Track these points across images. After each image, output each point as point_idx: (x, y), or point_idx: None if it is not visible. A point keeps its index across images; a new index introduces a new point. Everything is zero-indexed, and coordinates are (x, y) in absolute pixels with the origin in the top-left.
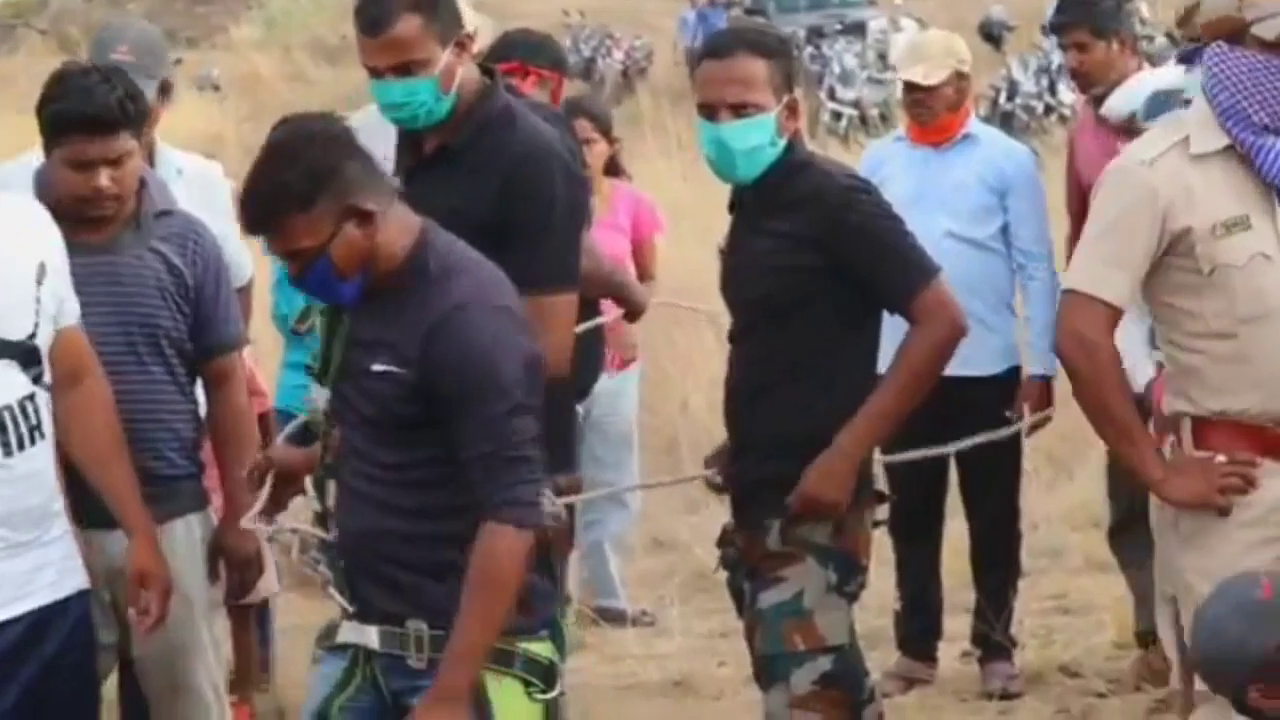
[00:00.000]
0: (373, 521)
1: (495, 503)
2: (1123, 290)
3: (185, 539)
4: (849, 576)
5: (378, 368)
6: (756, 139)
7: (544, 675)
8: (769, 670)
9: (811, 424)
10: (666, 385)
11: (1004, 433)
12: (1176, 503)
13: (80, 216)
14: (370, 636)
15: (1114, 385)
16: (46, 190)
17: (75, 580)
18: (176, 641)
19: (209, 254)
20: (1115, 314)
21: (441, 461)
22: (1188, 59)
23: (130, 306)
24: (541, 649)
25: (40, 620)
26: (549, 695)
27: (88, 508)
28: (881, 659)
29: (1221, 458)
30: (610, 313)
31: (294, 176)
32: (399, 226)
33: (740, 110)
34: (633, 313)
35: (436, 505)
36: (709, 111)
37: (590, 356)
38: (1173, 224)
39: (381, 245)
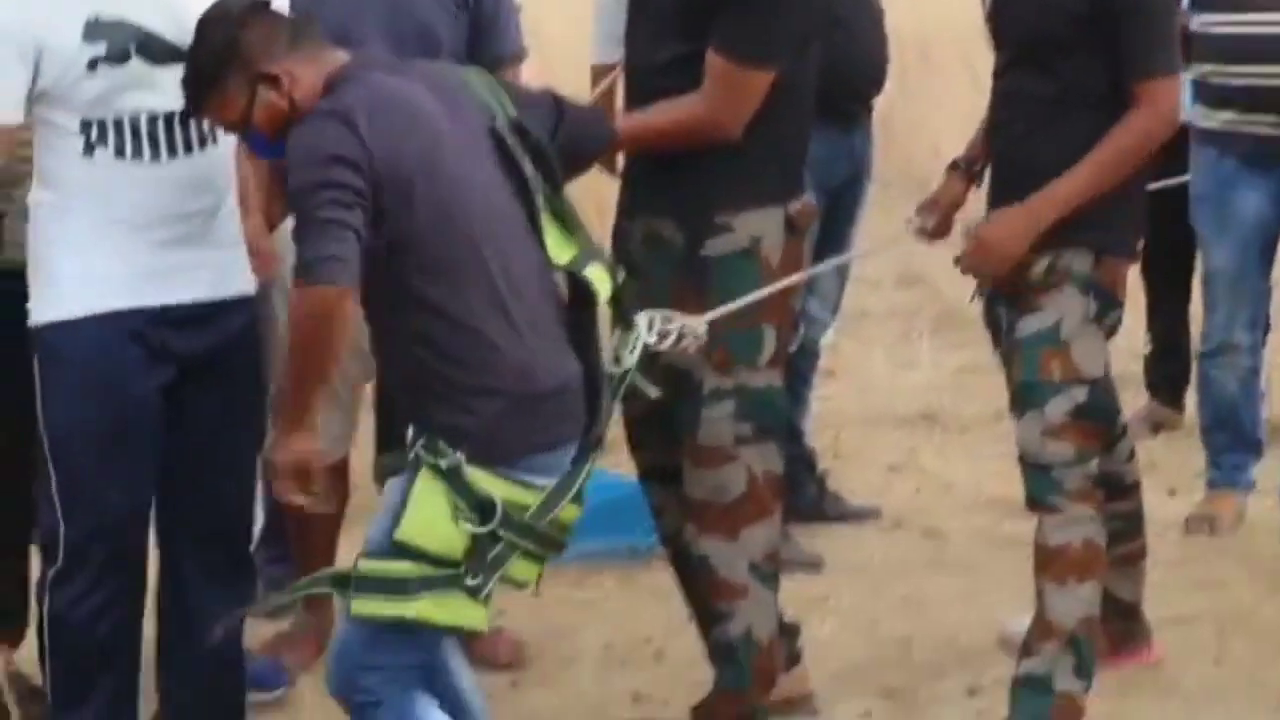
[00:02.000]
0: None
1: (296, 268)
2: None
3: None
4: (1107, 309)
5: None
6: None
7: (478, 506)
8: (1024, 397)
9: (1074, 157)
10: (919, 128)
11: None
12: None
13: None
14: None
15: None
16: None
17: (234, 286)
18: None
19: None
20: None
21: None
22: None
23: (405, 13)
24: (485, 480)
25: (189, 317)
26: (477, 529)
27: None
28: (1131, 401)
29: None
30: None
31: (201, 60)
32: (316, 72)
33: None
34: None
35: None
36: None
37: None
38: None
39: (299, 99)
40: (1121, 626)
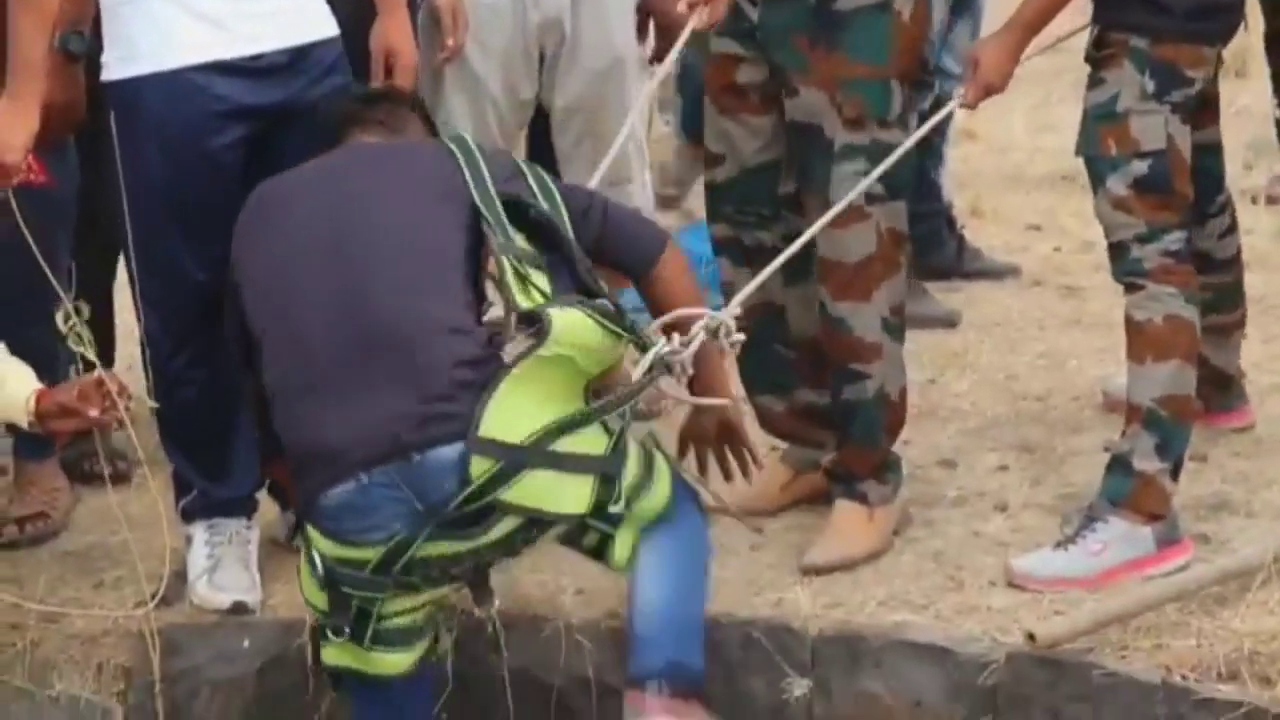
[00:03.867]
0: None
1: None
2: None
3: None
4: (1170, 86)
5: None
6: None
7: (315, 563)
8: (1089, 172)
9: None
10: None
11: None
12: None
13: None
14: None
15: None
16: None
17: (316, 29)
18: (600, 93)
19: None
20: None
21: None
22: None
23: None
24: (316, 539)
25: (270, 67)
26: (324, 586)
27: None
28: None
29: None
30: None
31: None
32: None
33: None
34: None
35: None
36: None
37: None
38: None
39: None
40: (1216, 392)
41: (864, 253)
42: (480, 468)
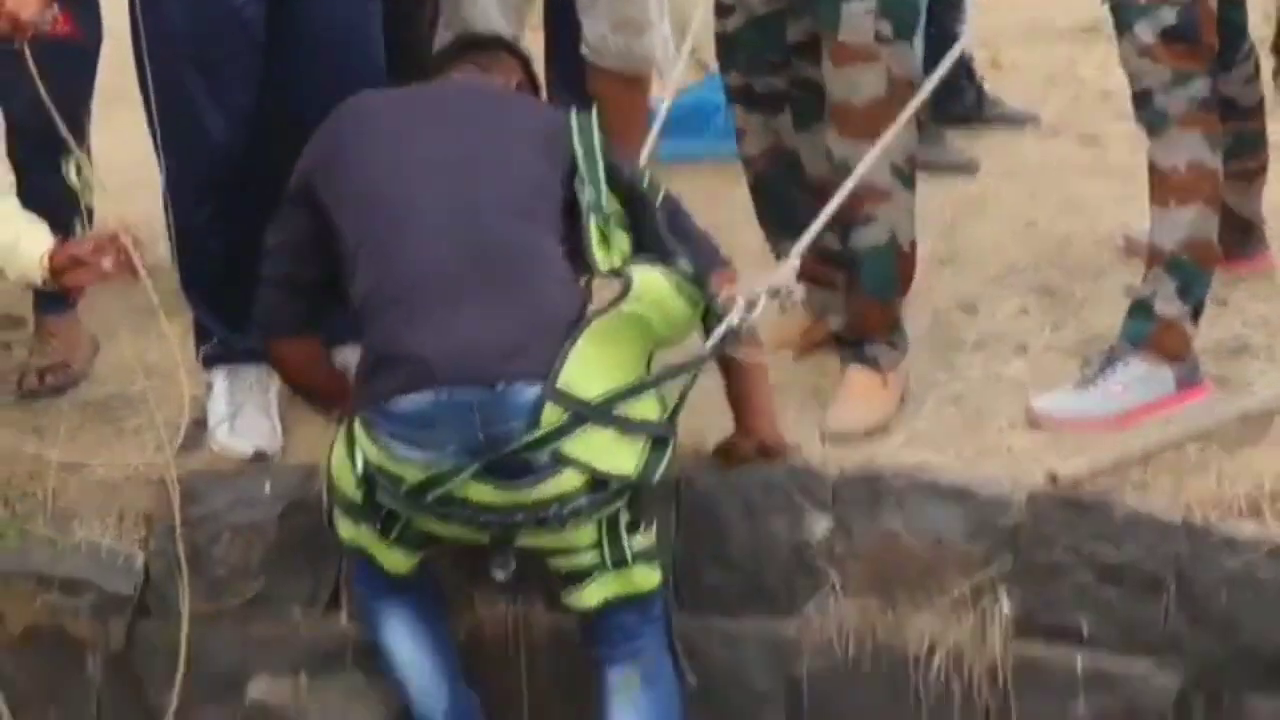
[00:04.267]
0: None
1: None
2: None
3: None
4: None
5: None
6: None
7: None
8: (1115, 19)
9: None
10: None
11: None
12: None
13: None
14: None
15: None
16: None
17: None
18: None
19: None
20: None
21: None
22: None
23: None
24: (363, 440)
25: None
26: (359, 485)
27: None
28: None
29: None
30: None
31: None
32: None
33: None
34: None
35: None
36: None
37: None
38: None
39: None
40: (1236, 237)
41: (873, 94)
42: (551, 415)
